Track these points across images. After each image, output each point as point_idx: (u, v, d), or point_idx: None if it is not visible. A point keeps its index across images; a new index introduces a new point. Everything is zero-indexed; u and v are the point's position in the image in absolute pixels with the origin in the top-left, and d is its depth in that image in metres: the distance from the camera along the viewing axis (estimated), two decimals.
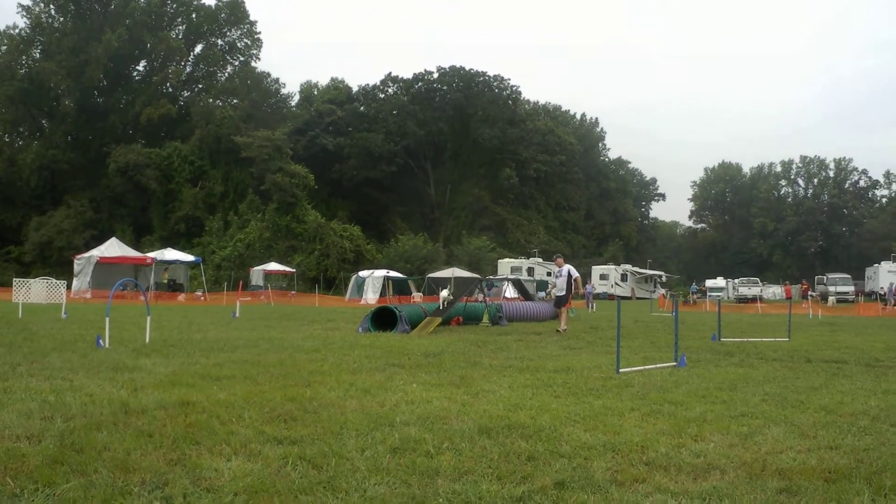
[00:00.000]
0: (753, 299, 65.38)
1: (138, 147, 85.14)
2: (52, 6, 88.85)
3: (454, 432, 6.51)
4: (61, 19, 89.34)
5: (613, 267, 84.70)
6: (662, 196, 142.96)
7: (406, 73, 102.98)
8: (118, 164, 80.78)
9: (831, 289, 70.59)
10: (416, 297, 50.85)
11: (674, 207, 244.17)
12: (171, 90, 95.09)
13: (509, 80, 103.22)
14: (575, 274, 21.76)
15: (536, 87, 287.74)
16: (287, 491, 4.79)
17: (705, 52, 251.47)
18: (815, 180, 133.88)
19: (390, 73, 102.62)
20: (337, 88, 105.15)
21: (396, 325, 19.02)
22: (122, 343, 14.09)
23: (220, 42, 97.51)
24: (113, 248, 50.95)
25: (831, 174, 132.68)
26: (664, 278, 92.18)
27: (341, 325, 22.58)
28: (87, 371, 10.12)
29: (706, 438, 6.53)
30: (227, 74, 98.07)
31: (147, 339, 14.65)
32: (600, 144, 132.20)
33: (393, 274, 56.47)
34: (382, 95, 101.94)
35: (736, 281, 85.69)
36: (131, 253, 52.30)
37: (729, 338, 18.54)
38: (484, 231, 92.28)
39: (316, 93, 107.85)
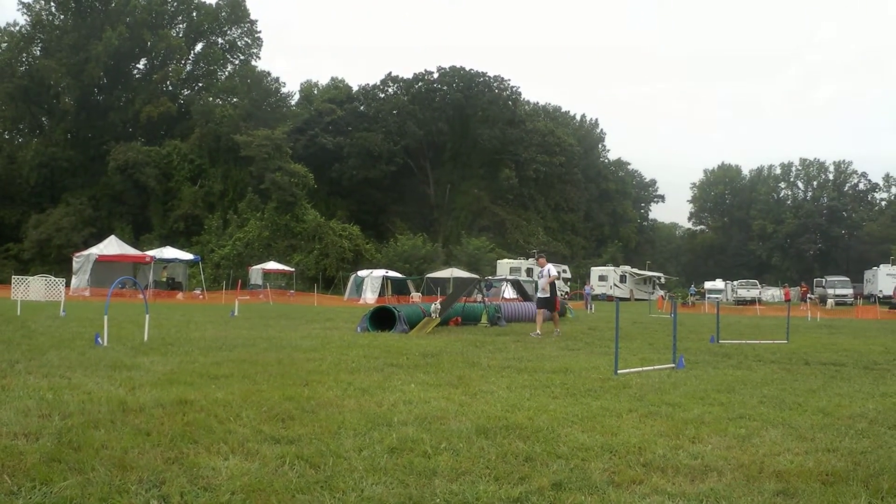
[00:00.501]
0: (752, 301, 65.39)
1: (138, 145, 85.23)
2: (52, 4, 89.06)
3: (452, 433, 6.51)
4: (62, 17, 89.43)
5: (612, 268, 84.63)
6: (662, 198, 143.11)
7: (406, 73, 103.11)
8: (118, 162, 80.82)
9: (830, 291, 70.54)
10: (415, 297, 50.86)
11: (673, 209, 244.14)
12: (171, 88, 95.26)
13: (509, 80, 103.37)
14: (553, 273, 20.83)
15: (536, 88, 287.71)
16: (284, 490, 4.79)
17: (706, 54, 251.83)
18: (815, 183, 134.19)
19: (390, 72, 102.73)
20: (337, 88, 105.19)
21: (395, 325, 19.02)
22: (120, 341, 14.09)
23: (220, 41, 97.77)
24: (112, 246, 50.92)
25: (831, 177, 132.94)
26: (663, 280, 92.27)
27: (340, 324, 22.58)
28: (86, 369, 10.11)
29: (704, 440, 6.53)
30: (227, 73, 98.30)
31: (145, 338, 14.65)
32: (600, 146, 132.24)
33: (392, 274, 56.50)
34: (382, 95, 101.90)
35: (735, 283, 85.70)
36: (130, 251, 52.28)
37: (727, 340, 18.56)
38: (483, 231, 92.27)
39: (316, 92, 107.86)
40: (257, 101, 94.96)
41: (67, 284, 39.96)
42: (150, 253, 52.14)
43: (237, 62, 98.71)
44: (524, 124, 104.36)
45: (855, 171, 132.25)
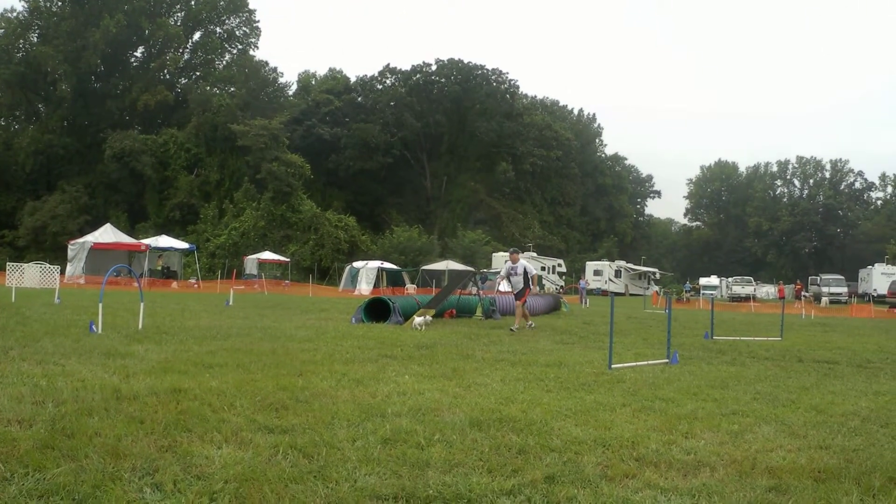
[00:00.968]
0: (747, 298, 65.46)
1: (134, 133, 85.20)
2: None
3: (445, 424, 6.51)
4: (59, 4, 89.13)
5: (608, 263, 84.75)
6: (658, 193, 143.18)
7: (404, 65, 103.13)
8: (114, 150, 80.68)
9: (825, 289, 70.63)
10: (410, 288, 50.86)
11: (669, 205, 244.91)
12: (168, 77, 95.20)
13: (507, 73, 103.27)
14: (532, 271, 20.78)
15: (535, 82, 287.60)
16: (277, 479, 4.79)
17: (704, 50, 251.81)
18: (811, 181, 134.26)
19: (388, 64, 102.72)
20: (335, 79, 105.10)
21: (390, 317, 19.01)
22: (114, 329, 14.06)
23: (218, 30, 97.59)
24: (107, 234, 50.86)
25: (827, 175, 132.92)
26: (658, 275, 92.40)
27: (334, 315, 22.58)
28: (80, 356, 10.10)
29: (697, 436, 6.54)
30: (224, 62, 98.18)
31: (140, 326, 14.64)
32: (597, 140, 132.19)
33: (387, 265, 56.50)
34: (380, 87, 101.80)
35: (730, 280, 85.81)
36: (125, 239, 52.21)
37: (721, 336, 18.57)
38: (479, 224, 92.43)
39: (314, 82, 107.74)
40: (255, 91, 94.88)
41: (62, 272, 39.86)
42: (146, 241, 52.08)
43: (235, 51, 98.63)
44: (522, 118, 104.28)
45: (851, 170, 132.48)
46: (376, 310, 19.82)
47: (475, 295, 25.25)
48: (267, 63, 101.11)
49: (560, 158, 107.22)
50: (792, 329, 22.84)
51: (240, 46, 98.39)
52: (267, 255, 63.21)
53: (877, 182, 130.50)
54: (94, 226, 61.19)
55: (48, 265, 34.92)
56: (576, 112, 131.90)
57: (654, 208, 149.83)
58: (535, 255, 79.01)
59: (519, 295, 20.12)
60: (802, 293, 66.48)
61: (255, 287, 49.99)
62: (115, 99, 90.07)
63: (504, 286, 35.42)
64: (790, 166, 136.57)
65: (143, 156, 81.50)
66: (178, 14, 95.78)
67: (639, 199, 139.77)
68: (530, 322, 20.13)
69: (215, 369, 9.38)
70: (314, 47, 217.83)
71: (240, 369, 9.49)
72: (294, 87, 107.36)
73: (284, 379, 8.71)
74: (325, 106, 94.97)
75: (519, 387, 8.96)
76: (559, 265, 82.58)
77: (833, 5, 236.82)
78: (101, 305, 14.30)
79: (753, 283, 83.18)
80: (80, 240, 50.12)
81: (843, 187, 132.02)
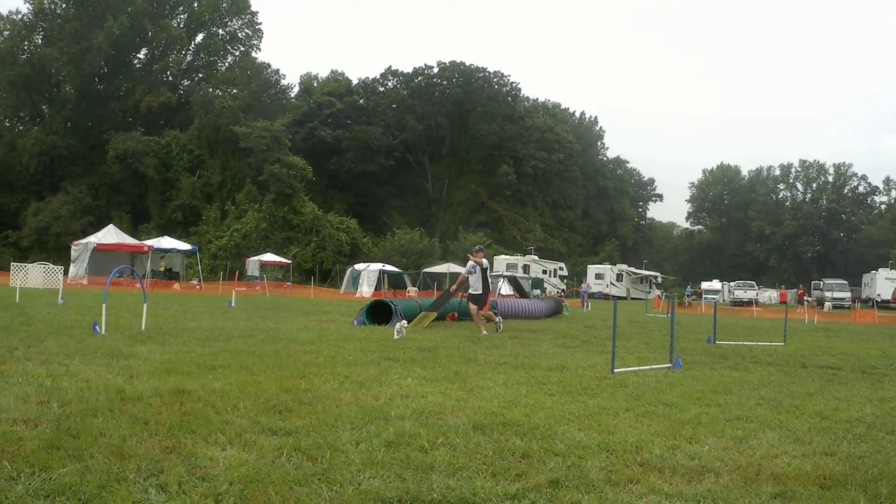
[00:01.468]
0: (749, 303, 65.39)
1: (137, 135, 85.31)
2: None
3: (449, 428, 6.51)
4: (63, 5, 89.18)
5: (609, 266, 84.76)
6: (660, 197, 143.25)
7: (406, 68, 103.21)
8: (117, 152, 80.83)
9: (828, 294, 70.54)
10: (412, 291, 50.86)
11: (671, 208, 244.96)
12: (171, 79, 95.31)
13: (509, 76, 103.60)
14: (482, 270, 18.75)
15: (536, 85, 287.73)
16: (282, 481, 4.80)
17: (706, 53, 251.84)
18: (814, 185, 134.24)
19: (390, 66, 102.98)
20: (337, 81, 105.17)
21: (391, 319, 19.00)
22: (118, 330, 14.07)
23: (221, 32, 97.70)
24: (110, 234, 50.89)
25: (830, 179, 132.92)
26: (660, 279, 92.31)
27: (336, 317, 22.56)
28: (84, 357, 10.11)
29: (701, 441, 6.53)
30: (227, 64, 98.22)
31: (143, 327, 14.62)
32: (599, 143, 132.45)
33: (388, 268, 56.49)
34: (382, 89, 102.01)
35: (732, 284, 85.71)
36: (128, 240, 52.26)
37: (724, 341, 18.55)
38: (480, 227, 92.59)
39: (316, 85, 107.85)
40: (257, 93, 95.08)
41: (66, 272, 39.93)
42: (148, 242, 52.14)
43: (237, 53, 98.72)
44: (523, 120, 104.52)
45: (855, 174, 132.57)
46: (378, 312, 19.82)
47: None
48: (269, 65, 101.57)
49: (562, 161, 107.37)
50: (795, 334, 22.82)
51: (242, 48, 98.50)
52: (269, 256, 63.27)
53: (881, 186, 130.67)
54: (97, 227, 61.26)
55: (52, 266, 35.06)
56: (577, 115, 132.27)
57: (655, 212, 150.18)
58: (536, 258, 79.11)
59: (479, 301, 18.60)
60: (805, 298, 66.46)
61: (257, 289, 50.03)
62: (118, 100, 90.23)
63: (505, 289, 35.08)
64: (793, 170, 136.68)
65: (146, 157, 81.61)
66: (181, 16, 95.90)
67: (640, 203, 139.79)
68: (497, 319, 19.11)
69: (218, 371, 9.39)
70: (316, 49, 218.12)
71: (243, 371, 9.49)
72: (296, 90, 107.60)
73: (287, 381, 8.71)
74: (327, 108, 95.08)
75: (522, 390, 8.94)
76: (560, 268, 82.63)
77: (836, 7, 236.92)
78: (104, 306, 14.30)
79: (756, 287, 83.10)
80: (84, 240, 50.14)
81: (846, 191, 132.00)
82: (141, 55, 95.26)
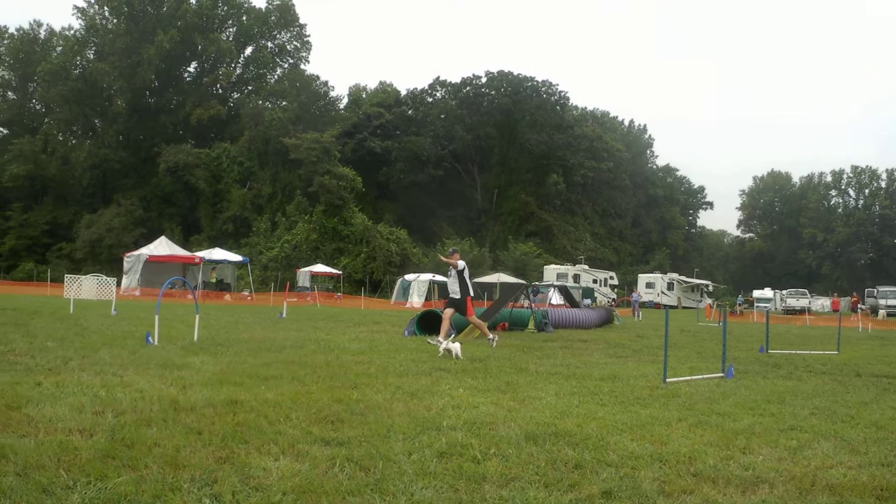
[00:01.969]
0: (801, 311, 64.55)
1: (188, 147, 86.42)
2: (105, 8, 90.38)
3: (501, 438, 6.50)
4: (115, 21, 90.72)
5: (660, 275, 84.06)
6: (710, 204, 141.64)
7: (454, 78, 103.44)
8: (168, 164, 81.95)
9: (882, 302, 69.39)
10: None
11: (722, 216, 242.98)
12: (220, 91, 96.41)
13: (557, 85, 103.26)
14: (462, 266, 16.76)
15: (585, 93, 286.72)
16: (335, 492, 4.82)
17: (756, 60, 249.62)
18: (867, 191, 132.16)
19: (438, 77, 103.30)
20: (385, 92, 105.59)
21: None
22: (170, 341, 14.21)
23: (269, 44, 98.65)
24: (162, 246, 51.41)
25: (883, 184, 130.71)
26: (710, 288, 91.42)
27: (387, 328, 22.62)
28: (137, 367, 10.23)
29: (755, 451, 6.46)
30: (276, 76, 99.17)
31: (195, 338, 14.77)
32: (648, 151, 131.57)
33: (438, 278, 56.45)
34: (430, 99, 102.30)
35: (784, 292, 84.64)
36: (180, 252, 52.77)
37: (777, 350, 18.31)
38: (530, 237, 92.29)
39: (364, 96, 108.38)
40: (306, 105, 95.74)
41: (118, 284, 40.41)
42: (200, 254, 52.56)
43: (286, 66, 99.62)
44: (572, 129, 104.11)
45: None
46: (429, 322, 19.83)
47: (527, 308, 25.21)
48: (318, 77, 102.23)
49: (611, 170, 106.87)
50: (849, 342, 22.47)
51: (291, 61, 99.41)
52: (319, 267, 63.43)
53: None
54: (148, 238, 62.03)
55: (105, 277, 35.43)
56: (626, 123, 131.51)
57: (706, 220, 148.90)
58: (587, 267, 78.76)
59: (459, 306, 16.65)
60: (859, 306, 65.47)
61: (308, 299, 50.20)
62: (168, 114, 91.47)
63: (556, 299, 34.86)
64: (845, 176, 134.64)
65: (197, 169, 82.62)
66: (230, 29, 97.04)
67: (690, 211, 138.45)
68: (490, 336, 16.96)
69: (270, 381, 9.44)
70: (364, 61, 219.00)
71: (295, 381, 9.54)
72: (345, 101, 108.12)
73: (339, 391, 8.75)
74: (376, 119, 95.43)
75: (573, 401, 8.90)
76: (611, 278, 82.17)
77: (889, 11, 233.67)
78: (157, 317, 14.48)
79: (808, 295, 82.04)
80: (136, 252, 50.73)
81: None
82: (191, 69, 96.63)
